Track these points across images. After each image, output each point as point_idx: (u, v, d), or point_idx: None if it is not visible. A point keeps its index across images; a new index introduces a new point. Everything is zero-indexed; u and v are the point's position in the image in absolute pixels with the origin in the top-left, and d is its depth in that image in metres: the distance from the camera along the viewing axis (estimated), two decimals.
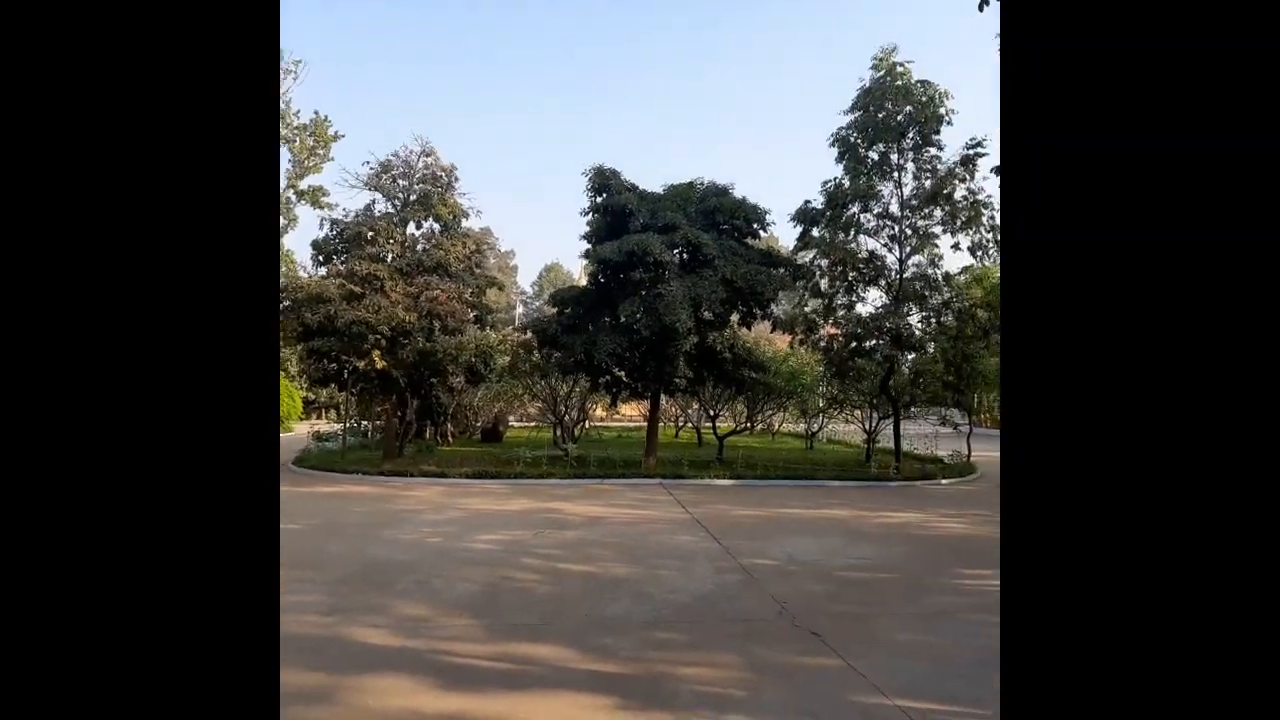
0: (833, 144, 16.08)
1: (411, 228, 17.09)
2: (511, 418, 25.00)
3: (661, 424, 20.32)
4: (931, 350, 16.80)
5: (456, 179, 17.23)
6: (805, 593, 5.97)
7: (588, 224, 15.40)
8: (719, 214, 15.16)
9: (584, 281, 18.35)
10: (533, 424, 23.86)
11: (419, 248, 16.82)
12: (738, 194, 15.68)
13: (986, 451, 20.65)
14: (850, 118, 15.87)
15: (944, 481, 14.76)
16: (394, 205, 17.03)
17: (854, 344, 15.87)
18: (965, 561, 7.32)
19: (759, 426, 21.37)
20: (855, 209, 15.87)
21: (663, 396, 16.99)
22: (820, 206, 16.04)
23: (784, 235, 29.82)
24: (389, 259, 16.30)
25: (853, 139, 15.80)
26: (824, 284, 16.55)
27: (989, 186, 15.64)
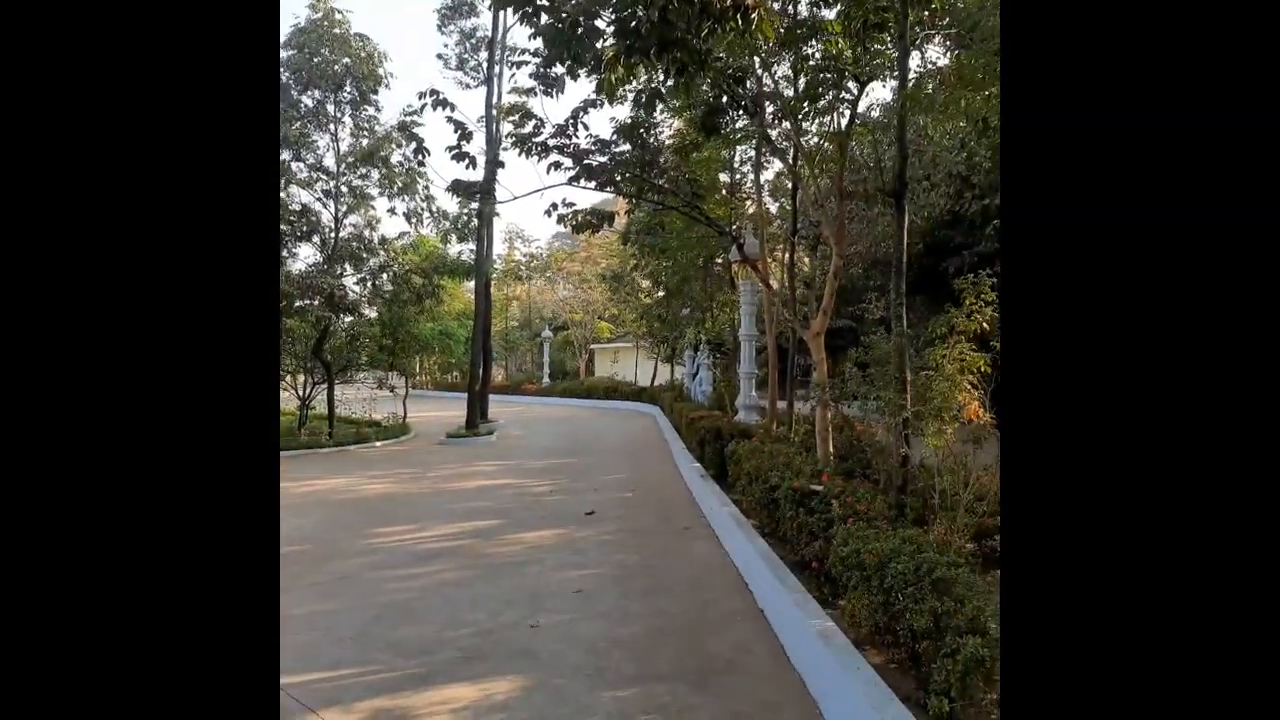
0: None
1: None
2: None
3: None
4: (369, 314, 16.77)
5: None
6: None
7: None
8: None
9: None
10: None
11: None
12: None
13: (422, 412, 21.88)
14: (284, 55, 14.41)
15: (378, 444, 14.94)
16: None
17: (284, 303, 14.64)
18: (381, 520, 7.44)
19: None
20: (287, 156, 14.58)
21: None
22: None
23: None
24: None
25: (285, 78, 14.40)
26: None
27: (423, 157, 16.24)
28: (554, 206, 7.83)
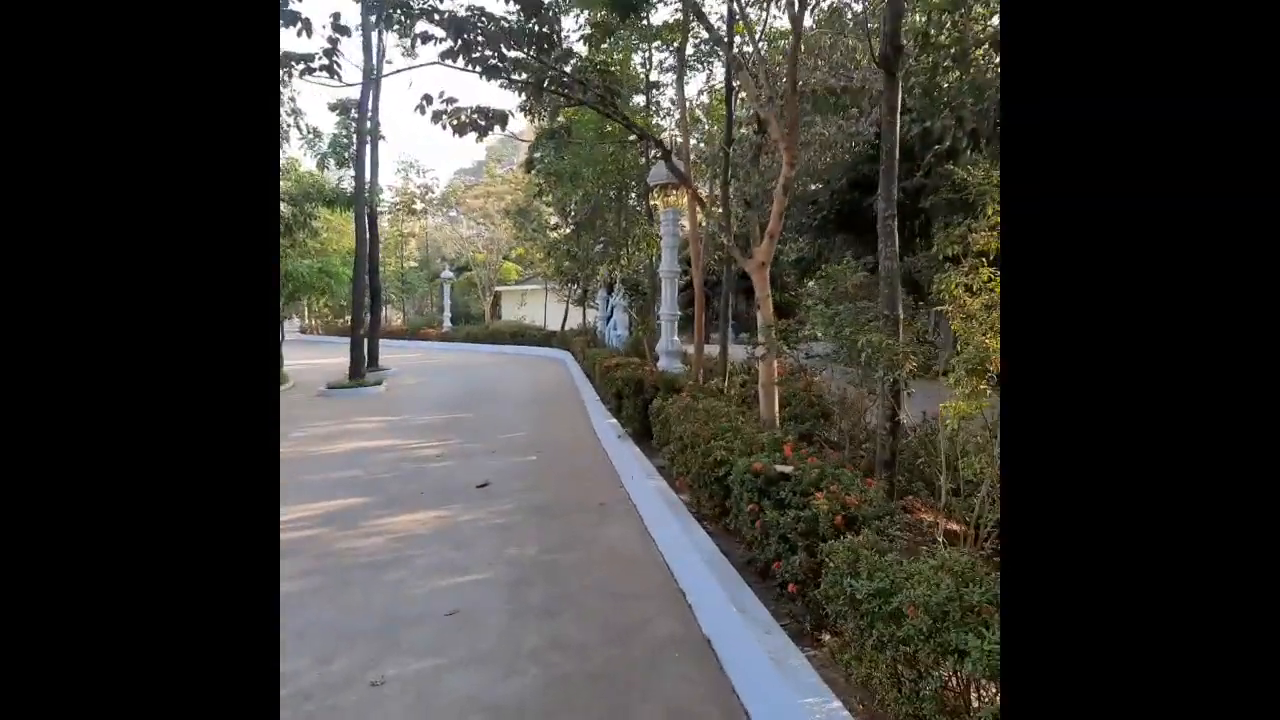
0: None
1: None
2: None
3: None
4: None
5: None
6: None
7: None
8: None
9: None
10: None
11: None
12: None
13: (308, 359, 19.64)
14: None
15: None
16: None
17: None
18: None
19: None
20: None
21: None
22: None
23: None
24: None
25: None
26: None
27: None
28: (427, 100, 6.12)
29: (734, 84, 6.60)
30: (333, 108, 18.64)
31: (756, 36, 5.25)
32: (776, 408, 5.12)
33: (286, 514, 5.44)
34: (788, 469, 3.20)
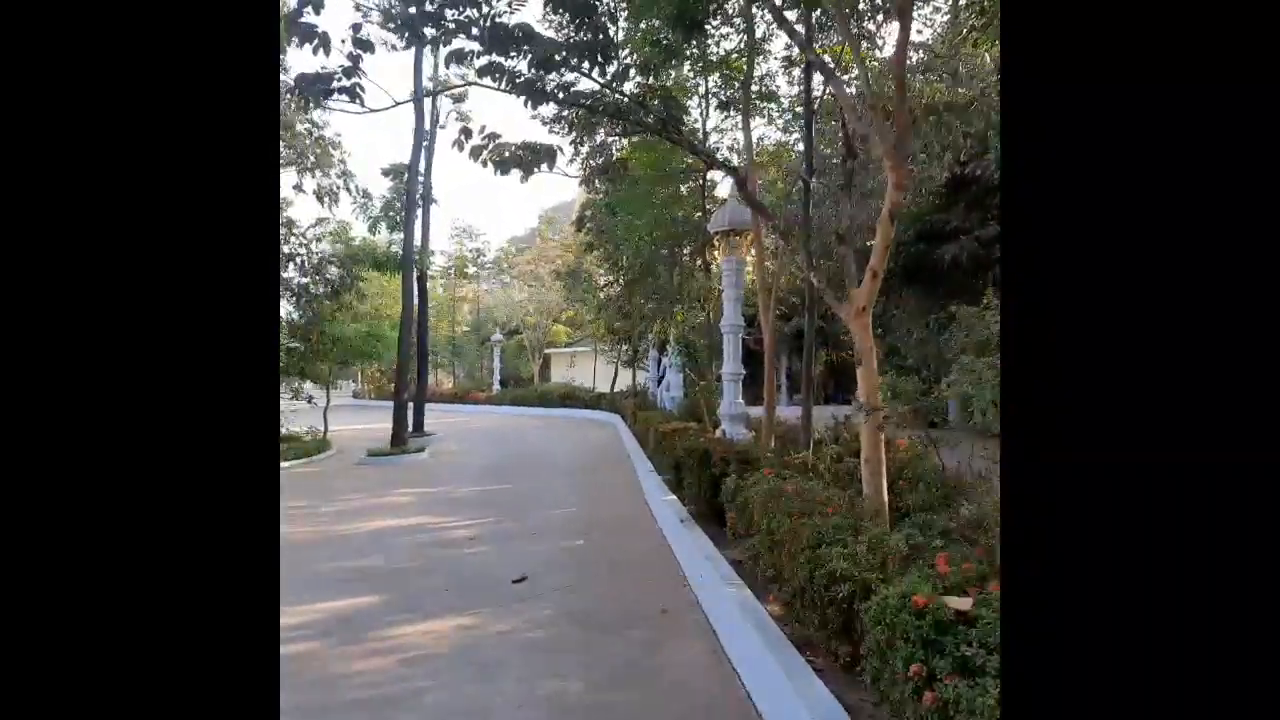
0: None
1: None
2: None
3: None
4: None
5: None
6: None
7: None
8: None
9: None
10: None
11: None
12: None
13: (358, 424, 19.17)
14: None
15: (285, 464, 12.24)
16: None
17: None
18: None
19: None
20: None
21: None
22: None
23: None
24: None
25: None
26: None
27: (337, 122, 13.76)
28: (466, 134, 5.41)
29: (812, 103, 5.75)
30: (385, 172, 18.67)
31: (852, 30, 4.37)
32: (885, 491, 4.00)
33: (286, 616, 4.49)
34: (966, 605, 2.10)
